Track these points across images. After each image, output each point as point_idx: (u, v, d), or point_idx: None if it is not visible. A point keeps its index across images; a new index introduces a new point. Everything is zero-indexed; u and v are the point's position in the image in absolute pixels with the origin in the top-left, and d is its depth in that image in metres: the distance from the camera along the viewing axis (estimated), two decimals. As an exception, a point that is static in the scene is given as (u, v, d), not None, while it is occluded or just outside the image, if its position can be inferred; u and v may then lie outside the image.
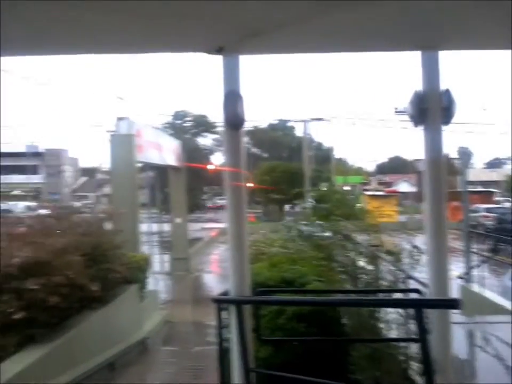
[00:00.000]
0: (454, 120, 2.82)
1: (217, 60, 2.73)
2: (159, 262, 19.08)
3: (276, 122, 55.39)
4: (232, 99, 2.73)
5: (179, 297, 14.51)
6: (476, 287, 9.47)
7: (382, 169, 63.88)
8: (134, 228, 11.50)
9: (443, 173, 2.79)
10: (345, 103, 69.69)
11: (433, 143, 2.77)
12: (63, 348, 6.12)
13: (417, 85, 2.79)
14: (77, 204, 19.62)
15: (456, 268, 10.49)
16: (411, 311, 3.31)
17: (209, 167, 31.59)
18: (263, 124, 48.17)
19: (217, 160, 40.08)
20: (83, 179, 60.22)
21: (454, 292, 3.17)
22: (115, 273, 8.02)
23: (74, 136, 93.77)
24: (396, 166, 60.86)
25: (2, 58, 3.42)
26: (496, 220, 25.32)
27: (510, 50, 2.96)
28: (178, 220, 18.24)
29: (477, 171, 47.03)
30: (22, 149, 53.35)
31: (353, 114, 70.10)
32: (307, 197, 29.00)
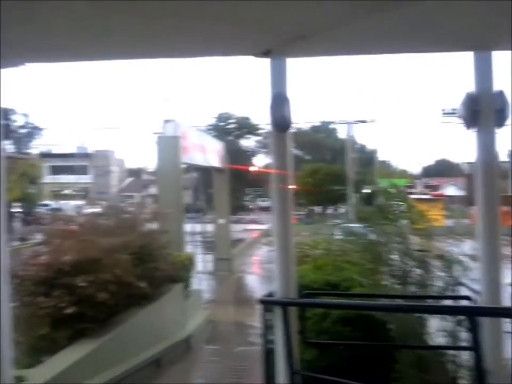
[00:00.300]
0: (508, 122, 2.74)
1: (262, 63, 2.75)
2: (202, 262, 19.33)
3: (319, 124, 55.02)
4: (279, 101, 2.75)
5: (222, 297, 14.64)
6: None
7: (428, 172, 62.12)
8: (178, 228, 11.70)
9: (496, 176, 2.71)
10: (391, 104, 68.43)
11: (486, 146, 2.70)
12: (111, 343, 6.32)
13: (469, 86, 2.73)
14: (124, 203, 20.17)
15: (508, 275, 10.09)
16: (462, 318, 3.23)
17: (251, 168, 31.70)
18: (306, 126, 47.96)
19: (260, 162, 40.28)
20: (129, 179, 61.73)
21: (506, 299, 3.05)
22: (161, 272, 8.19)
23: (121, 137, 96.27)
24: (443, 169, 59.06)
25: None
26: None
27: None
28: (221, 221, 18.41)
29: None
30: (72, 150, 55.39)
31: (399, 116, 68.68)
32: (350, 199, 28.77)
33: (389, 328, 4.40)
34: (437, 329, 4.00)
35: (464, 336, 3.36)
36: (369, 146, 49.98)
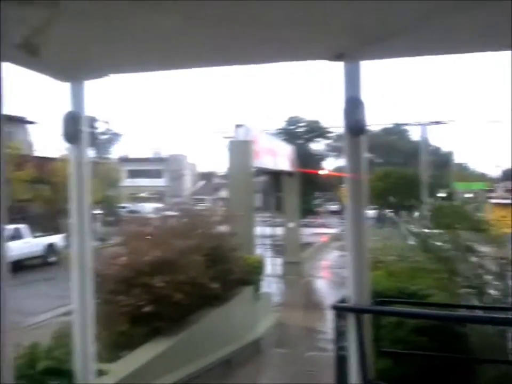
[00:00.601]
0: None
1: (333, 66, 2.73)
2: (271, 265, 19.42)
3: (391, 126, 53.53)
4: (354, 105, 2.72)
5: (291, 301, 14.62)
6: None
7: (508, 175, 58.47)
8: (249, 231, 11.85)
9: None
10: (468, 105, 65.20)
11: None
12: (185, 342, 6.52)
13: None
14: (196, 206, 20.77)
15: None
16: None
17: (321, 172, 31.44)
18: (377, 128, 46.86)
19: (329, 165, 39.85)
20: (201, 183, 63.40)
21: None
22: (232, 274, 8.35)
23: (194, 142, 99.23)
24: (525, 173, 55.35)
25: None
26: None
27: None
28: (291, 224, 18.41)
29: None
30: (148, 155, 57.83)
31: (477, 116, 65.27)
32: (424, 204, 27.72)
33: (467, 340, 4.22)
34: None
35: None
36: (445, 148, 48.01)
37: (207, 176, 62.38)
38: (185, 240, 7.22)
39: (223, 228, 9.53)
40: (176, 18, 2.16)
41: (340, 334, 3.18)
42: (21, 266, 18.27)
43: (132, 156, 61.68)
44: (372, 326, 3.06)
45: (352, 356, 2.89)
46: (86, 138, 3.01)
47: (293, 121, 34.73)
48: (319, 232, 33.65)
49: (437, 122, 33.51)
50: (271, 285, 16.10)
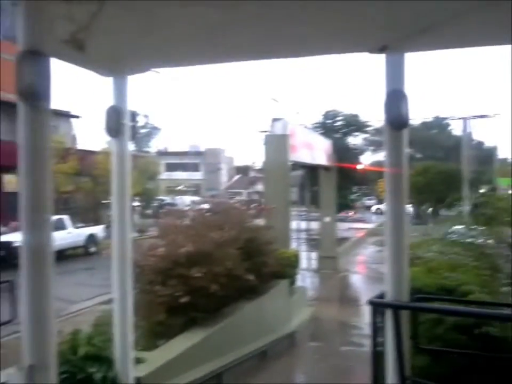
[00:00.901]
0: None
1: (373, 59, 2.67)
2: (307, 259, 19.37)
3: (431, 120, 52.24)
4: (396, 98, 2.66)
5: (326, 295, 14.55)
6: None
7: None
8: (285, 225, 11.84)
9: None
10: (513, 97, 62.64)
11: None
12: (221, 333, 6.60)
13: None
14: (232, 199, 20.95)
15: None
16: None
17: (358, 167, 31.03)
18: (417, 122, 45.82)
19: (367, 159, 39.27)
20: (237, 177, 63.77)
21: None
22: (268, 267, 8.37)
23: (231, 136, 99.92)
24: None
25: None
26: None
27: None
28: (327, 219, 18.29)
29: None
30: (186, 149, 58.61)
31: (523, 109, 62.86)
32: (465, 200, 26.99)
33: (510, 339, 4.09)
34: None
35: None
36: (488, 143, 46.50)
37: (244, 170, 62.72)
38: (221, 232, 7.29)
39: (259, 221, 9.56)
40: (220, 11, 2.17)
41: (377, 329, 3.14)
42: (63, 255, 18.91)
43: (170, 149, 62.76)
44: (409, 322, 3.01)
45: (389, 352, 2.85)
46: (127, 132, 3.07)
47: (330, 115, 34.33)
48: (355, 227, 33.33)
49: (481, 116, 32.44)
50: (306, 279, 16.08)
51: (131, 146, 3.35)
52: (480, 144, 50.23)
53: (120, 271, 3.09)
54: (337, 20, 2.30)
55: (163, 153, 58.60)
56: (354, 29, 2.44)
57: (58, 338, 3.75)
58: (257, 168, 45.67)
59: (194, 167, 55.92)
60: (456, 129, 44.76)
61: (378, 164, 43.07)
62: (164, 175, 46.48)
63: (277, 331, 8.61)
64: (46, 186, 1.88)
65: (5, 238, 18.39)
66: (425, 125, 50.96)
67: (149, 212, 30.44)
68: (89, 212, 27.22)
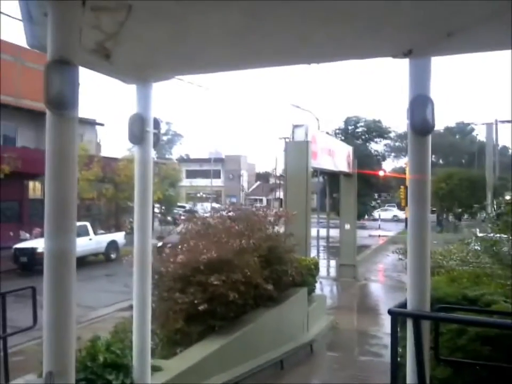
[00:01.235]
0: None
1: (394, 64, 2.64)
2: (326, 267, 19.23)
3: (454, 125, 51.59)
4: (421, 103, 2.62)
5: (345, 304, 14.41)
6: None
7: None
8: (305, 232, 11.78)
9: None
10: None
11: None
12: (239, 341, 6.57)
13: None
14: (252, 206, 20.99)
15: None
16: None
17: (379, 173, 30.78)
18: (440, 128, 45.27)
19: (388, 166, 38.92)
20: (257, 183, 63.87)
21: None
22: (287, 275, 8.33)
23: (252, 142, 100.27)
24: None
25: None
26: None
27: None
28: (347, 226, 18.14)
29: None
30: (207, 155, 58.98)
31: (549, 115, 61.47)
32: (489, 208, 26.45)
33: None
34: None
35: None
36: (514, 149, 45.65)
37: (264, 177, 62.78)
38: (240, 240, 7.28)
39: (278, 229, 9.53)
40: (241, 18, 2.17)
41: (397, 339, 3.09)
42: (84, 262, 19.16)
43: (191, 156, 63.26)
44: (430, 332, 2.95)
45: (409, 363, 2.79)
46: (151, 140, 3.09)
47: (352, 120, 34.22)
48: (375, 234, 33.00)
49: (507, 121, 31.90)
50: (325, 287, 15.96)
51: (153, 153, 3.37)
52: (505, 150, 49.35)
53: (140, 278, 3.10)
54: (362, 24, 2.28)
55: (184, 160, 59.14)
56: (379, 34, 2.41)
57: (77, 344, 3.79)
58: (277, 174, 45.61)
59: (215, 174, 56.15)
60: (480, 134, 44.11)
61: (400, 170, 42.71)
62: (185, 181, 46.81)
63: (295, 340, 8.55)
64: (71, 194, 1.90)
65: (28, 244, 18.73)
66: (448, 130, 50.34)
67: (169, 218, 30.65)
68: (110, 219, 27.58)
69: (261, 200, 56.82)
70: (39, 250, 16.29)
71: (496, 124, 31.86)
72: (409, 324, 2.75)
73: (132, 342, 3.21)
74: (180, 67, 3.04)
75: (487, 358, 3.70)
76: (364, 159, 24.32)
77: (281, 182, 32.51)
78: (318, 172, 19.17)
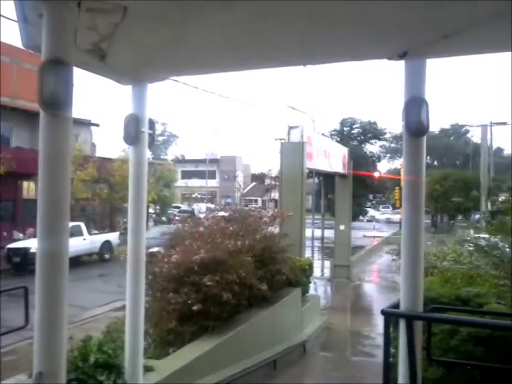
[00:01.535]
0: None
1: (388, 66, 2.64)
2: (320, 267, 19.25)
3: (448, 127, 51.77)
4: (416, 105, 2.63)
5: (339, 304, 14.45)
6: None
7: None
8: (299, 233, 11.79)
9: None
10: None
11: None
12: (232, 341, 6.56)
13: None
14: (247, 207, 20.99)
15: None
16: None
17: (375, 174, 30.87)
18: (434, 129, 45.42)
19: (383, 167, 39.02)
20: (252, 184, 63.87)
21: None
22: (281, 276, 8.33)
23: (247, 143, 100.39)
24: None
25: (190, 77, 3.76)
26: None
27: None
28: (342, 227, 18.18)
29: None
30: (202, 156, 58.92)
31: (543, 117, 61.83)
32: (483, 209, 26.58)
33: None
34: None
35: None
36: (509, 150, 45.89)
37: (259, 178, 62.79)
38: (235, 240, 7.28)
39: (273, 229, 9.54)
40: (239, 20, 2.18)
41: (390, 340, 3.09)
42: (78, 262, 19.09)
43: (186, 156, 63.22)
44: (423, 333, 2.96)
45: (401, 363, 2.80)
46: (146, 140, 3.09)
47: (347, 122, 34.31)
48: (370, 235, 33.08)
49: (502, 123, 32.06)
50: (319, 288, 15.98)
51: (148, 154, 3.36)
52: (499, 151, 49.59)
53: (134, 278, 3.09)
54: (357, 26, 2.28)
55: (180, 161, 59.05)
56: (374, 36, 2.42)
57: (69, 344, 3.77)
58: (273, 175, 45.64)
59: (210, 175, 56.10)
60: (475, 136, 44.35)
61: (394, 171, 42.85)
62: (180, 182, 46.73)
63: (288, 340, 8.55)
64: (64, 194, 1.90)
65: (22, 244, 18.64)
66: (443, 132, 50.52)
67: (164, 219, 30.60)
68: (104, 219, 27.50)
69: (256, 201, 56.83)
70: (32, 250, 16.22)
71: (491, 126, 31.99)
72: (402, 324, 2.76)
73: (124, 342, 3.20)
74: (175, 68, 3.04)
75: (479, 358, 3.72)
76: (359, 160, 24.37)
77: (277, 183, 32.55)
78: (313, 173, 19.18)
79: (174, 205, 37.47)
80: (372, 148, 35.77)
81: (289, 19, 2.18)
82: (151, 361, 5.11)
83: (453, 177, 32.60)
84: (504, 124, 31.86)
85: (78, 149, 23.26)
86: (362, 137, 33.63)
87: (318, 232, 20.89)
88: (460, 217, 34.20)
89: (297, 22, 2.22)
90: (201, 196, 51.34)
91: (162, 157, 59.42)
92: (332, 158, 15.88)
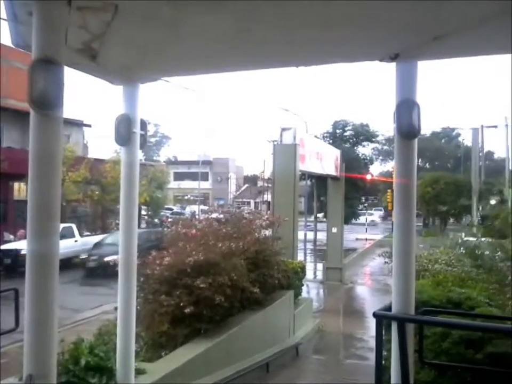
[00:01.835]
0: None
1: (381, 68, 2.65)
2: (313, 270, 19.27)
3: (440, 130, 52.05)
4: (407, 107, 2.63)
5: (331, 307, 14.46)
6: None
7: None
8: (292, 235, 11.79)
9: None
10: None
11: None
12: (224, 344, 6.54)
13: None
14: (240, 209, 20.96)
15: None
16: None
17: (367, 176, 30.96)
18: (426, 132, 45.69)
19: (375, 170, 39.14)
20: (245, 186, 63.85)
21: None
22: (273, 279, 8.32)
23: (240, 145, 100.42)
24: None
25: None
26: None
27: None
28: (334, 230, 18.21)
29: None
30: (195, 158, 58.77)
31: (533, 121, 62.33)
32: (474, 212, 26.76)
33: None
34: None
35: None
36: (500, 153, 46.25)
37: (252, 180, 62.78)
38: (228, 243, 7.26)
39: (266, 232, 9.53)
40: (232, 21, 2.17)
41: (382, 342, 3.09)
42: (69, 264, 18.94)
43: (179, 158, 63.06)
44: (415, 335, 2.96)
45: (393, 366, 2.80)
46: (137, 141, 3.07)
47: (340, 124, 34.36)
48: (362, 237, 33.17)
49: (493, 126, 32.31)
50: (312, 290, 16.00)
51: (140, 155, 3.35)
52: (490, 154, 49.92)
53: (125, 280, 3.07)
54: (349, 28, 2.29)
55: (172, 162, 58.88)
56: (366, 38, 2.42)
57: (60, 347, 3.74)
58: (265, 177, 45.64)
59: (203, 176, 56.00)
60: (466, 139, 44.64)
61: (387, 174, 43.01)
62: (173, 184, 46.58)
63: (281, 343, 8.55)
64: (54, 195, 1.88)
65: (13, 245, 18.49)
66: (434, 135, 50.79)
67: (156, 220, 30.49)
68: (96, 220, 27.35)
69: (248, 203, 56.78)
70: (23, 252, 16.07)
71: (482, 129, 32.22)
72: (394, 326, 2.76)
73: (116, 345, 3.18)
74: (167, 68, 3.03)
75: (470, 361, 3.73)
76: (351, 163, 24.39)
77: (269, 185, 32.55)
78: (305, 175, 19.21)
79: (166, 206, 37.32)
80: (364, 150, 35.87)
81: (281, 20, 2.18)
82: (143, 364, 5.08)
83: (444, 180, 32.74)
84: (495, 127, 32.11)
85: (70, 150, 23.09)
86: (354, 139, 33.67)
87: (311, 235, 20.92)
88: (451, 220, 34.41)
89: (289, 23, 2.22)
90: (194, 198, 51.20)
91: (154, 158, 59.20)
92: (324, 160, 15.91)
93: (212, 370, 6.12)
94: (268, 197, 41.51)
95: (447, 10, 2.05)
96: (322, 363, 9.09)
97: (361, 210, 36.87)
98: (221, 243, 7.13)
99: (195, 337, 6.34)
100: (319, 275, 18.68)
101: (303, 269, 10.95)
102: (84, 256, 18.59)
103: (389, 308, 2.88)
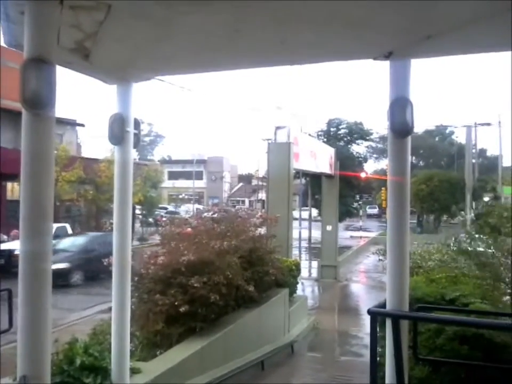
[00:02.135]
0: None
1: (374, 66, 2.65)
2: (307, 268, 19.31)
3: (433, 128, 52.25)
4: (401, 105, 2.64)
5: (326, 304, 14.50)
6: None
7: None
8: (286, 233, 11.81)
9: None
10: (516, 106, 62.60)
11: None
12: (219, 343, 6.54)
13: None
14: (234, 208, 20.95)
15: None
16: None
17: (361, 174, 31.06)
18: (419, 130, 45.84)
19: (370, 168, 39.24)
20: (240, 185, 63.84)
21: None
22: (268, 277, 8.33)
23: (234, 144, 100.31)
24: None
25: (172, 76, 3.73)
26: None
27: None
28: (328, 227, 18.26)
29: None
30: (189, 157, 58.68)
31: (527, 118, 62.69)
32: (467, 209, 26.91)
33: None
34: None
35: None
36: (493, 151, 46.49)
37: (246, 178, 62.79)
38: (222, 241, 7.26)
39: (260, 230, 9.54)
40: (224, 20, 2.17)
41: (377, 339, 3.11)
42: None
43: (173, 157, 62.95)
44: (409, 332, 2.97)
45: (388, 362, 2.81)
46: (131, 140, 3.06)
47: (334, 122, 34.41)
48: (357, 235, 33.28)
49: (486, 124, 32.48)
50: (306, 288, 16.03)
51: (134, 154, 3.33)
52: (484, 152, 50.18)
53: (119, 280, 3.06)
54: (343, 26, 2.29)
55: (166, 161, 58.76)
56: (360, 36, 2.43)
57: (55, 347, 3.72)
58: (260, 176, 45.63)
59: (197, 175, 55.92)
60: (459, 137, 44.83)
61: (381, 172, 43.13)
62: (167, 183, 46.47)
63: (276, 341, 8.56)
64: (47, 194, 1.87)
65: (6, 246, 18.38)
66: (428, 133, 50.96)
67: (150, 220, 30.42)
68: (90, 220, 27.25)
69: (243, 202, 56.76)
70: (17, 252, 15.96)
71: (475, 127, 32.38)
72: (388, 323, 2.77)
73: (110, 344, 3.17)
74: (161, 67, 3.02)
75: (464, 357, 3.76)
76: (345, 161, 24.46)
77: (264, 184, 32.57)
78: (300, 173, 19.23)
79: (160, 205, 37.24)
80: (359, 148, 35.98)
81: (273, 19, 2.18)
82: (138, 363, 5.07)
83: (438, 178, 32.92)
84: (488, 124, 32.29)
85: (63, 150, 22.99)
86: (348, 137, 33.75)
87: (305, 233, 20.95)
88: (445, 217, 34.57)
89: (282, 22, 2.22)
90: (188, 197, 51.12)
91: (148, 157, 59.06)
92: (318, 158, 15.94)
93: (207, 369, 6.12)
94: (262, 195, 41.52)
95: (440, 9, 2.06)
96: (317, 360, 9.12)
97: (356, 208, 37.00)
98: (214, 241, 7.12)
99: (190, 336, 6.34)
100: (314, 273, 18.73)
101: (297, 267, 10.97)
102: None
103: (383, 305, 2.89)
